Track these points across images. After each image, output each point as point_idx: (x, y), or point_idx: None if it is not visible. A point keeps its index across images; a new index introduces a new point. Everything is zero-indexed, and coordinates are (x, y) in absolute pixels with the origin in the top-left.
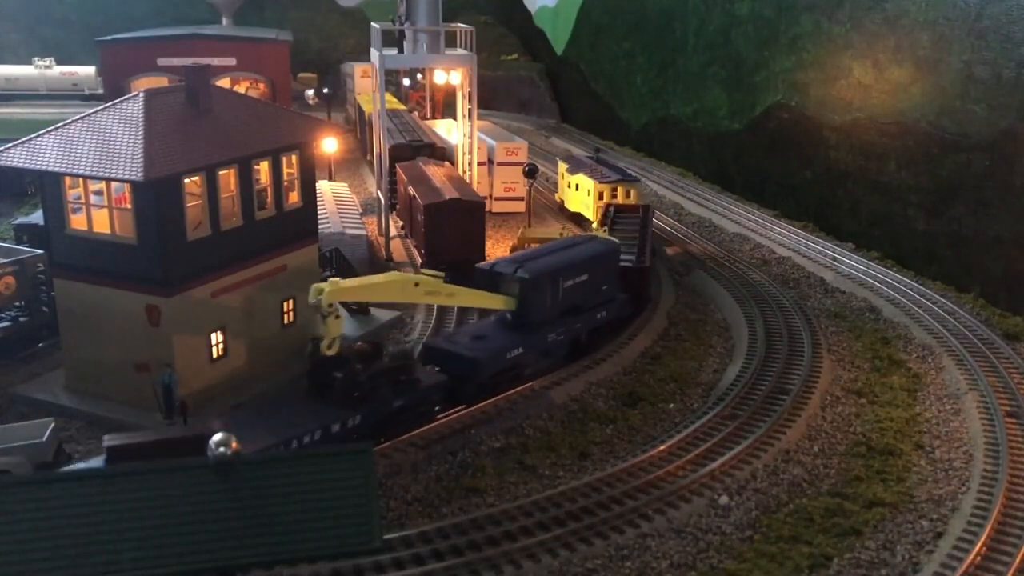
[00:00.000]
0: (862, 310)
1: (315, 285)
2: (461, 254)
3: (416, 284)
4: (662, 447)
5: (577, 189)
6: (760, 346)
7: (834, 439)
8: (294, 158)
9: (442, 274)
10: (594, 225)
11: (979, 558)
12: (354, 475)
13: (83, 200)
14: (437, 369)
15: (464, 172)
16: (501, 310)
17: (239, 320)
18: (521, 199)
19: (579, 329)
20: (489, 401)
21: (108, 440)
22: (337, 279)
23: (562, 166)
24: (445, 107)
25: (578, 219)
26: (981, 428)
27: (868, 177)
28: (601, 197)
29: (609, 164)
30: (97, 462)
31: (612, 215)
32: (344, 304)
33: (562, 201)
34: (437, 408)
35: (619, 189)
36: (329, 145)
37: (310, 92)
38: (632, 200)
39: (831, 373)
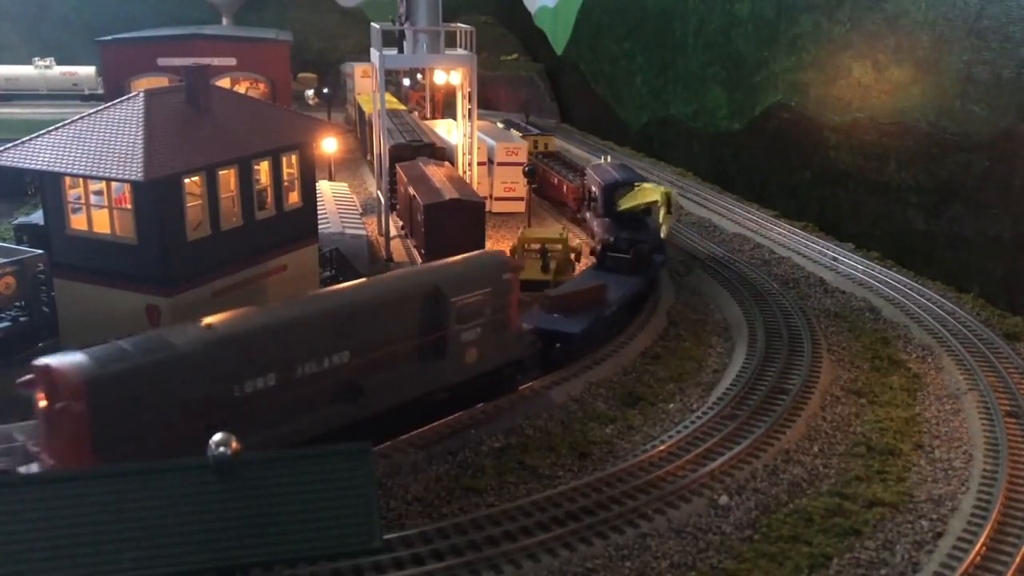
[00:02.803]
0: (862, 310)
1: (661, 195)
2: (461, 254)
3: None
4: (662, 447)
5: None
6: (760, 346)
7: (834, 439)
8: (294, 158)
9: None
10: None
11: (979, 558)
12: (354, 475)
13: (83, 200)
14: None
15: (464, 172)
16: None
17: None
18: (521, 199)
19: None
20: (489, 401)
21: (548, 291)
22: (667, 192)
23: (500, 126)
24: (445, 107)
25: None
26: (981, 428)
27: (868, 177)
28: None
29: (537, 126)
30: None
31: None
32: None
33: None
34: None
35: (538, 141)
36: (329, 145)
37: (310, 92)
38: (550, 149)
39: (831, 373)
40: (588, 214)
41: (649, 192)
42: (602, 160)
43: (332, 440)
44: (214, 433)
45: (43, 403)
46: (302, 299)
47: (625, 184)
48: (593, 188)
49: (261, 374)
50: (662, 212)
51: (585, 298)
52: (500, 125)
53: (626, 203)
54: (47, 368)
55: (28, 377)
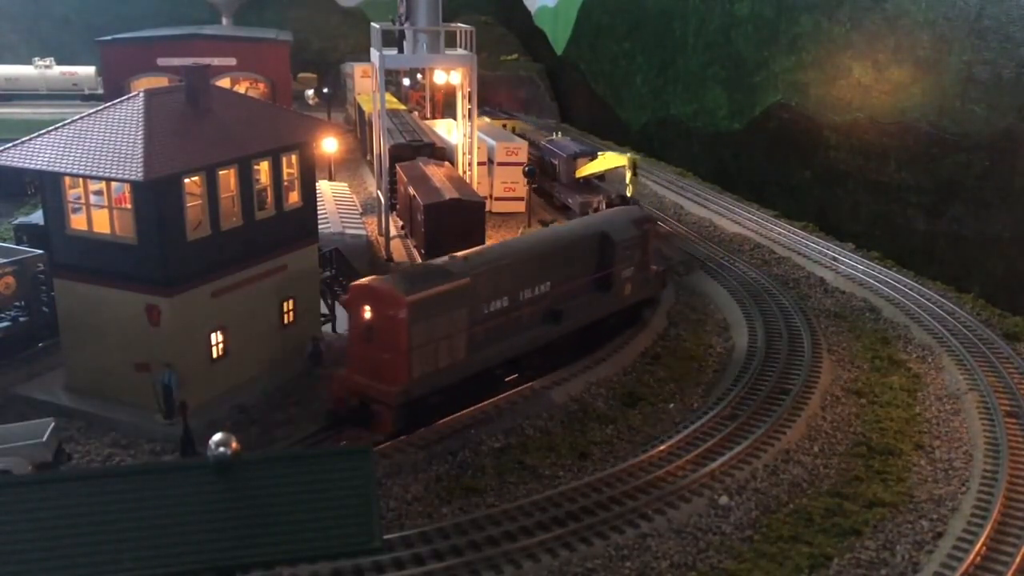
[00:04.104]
0: (862, 310)
1: (628, 161)
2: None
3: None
4: (662, 447)
5: None
6: (760, 346)
7: (834, 439)
8: (294, 158)
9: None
10: None
11: (979, 558)
12: (354, 475)
13: (83, 200)
14: None
15: (464, 172)
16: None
17: (239, 320)
18: (521, 199)
19: None
20: (489, 401)
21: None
22: (634, 158)
23: None
24: (445, 107)
25: None
26: (981, 428)
27: (868, 177)
28: None
29: (506, 112)
30: None
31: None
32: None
33: None
34: None
35: (506, 124)
36: (329, 145)
37: (310, 92)
38: (517, 132)
39: (831, 373)
40: (547, 183)
41: (613, 159)
42: (554, 135)
43: (538, 355)
44: (474, 343)
45: (368, 314)
46: (517, 240)
47: (583, 155)
48: (554, 161)
49: (499, 296)
50: (628, 175)
51: None
52: None
53: (589, 169)
54: (372, 288)
55: (347, 296)
